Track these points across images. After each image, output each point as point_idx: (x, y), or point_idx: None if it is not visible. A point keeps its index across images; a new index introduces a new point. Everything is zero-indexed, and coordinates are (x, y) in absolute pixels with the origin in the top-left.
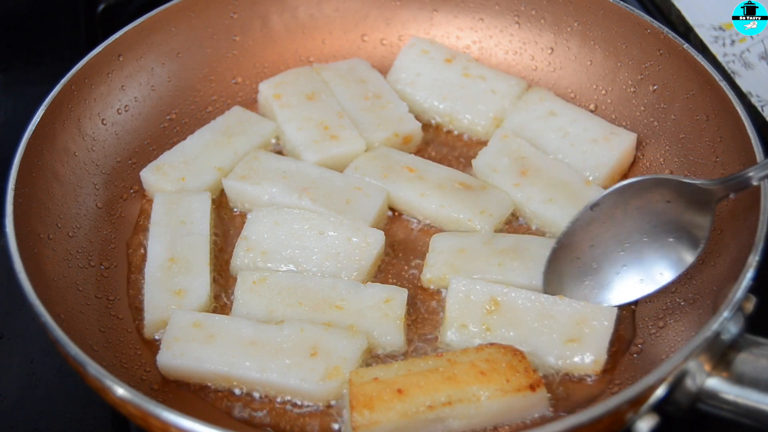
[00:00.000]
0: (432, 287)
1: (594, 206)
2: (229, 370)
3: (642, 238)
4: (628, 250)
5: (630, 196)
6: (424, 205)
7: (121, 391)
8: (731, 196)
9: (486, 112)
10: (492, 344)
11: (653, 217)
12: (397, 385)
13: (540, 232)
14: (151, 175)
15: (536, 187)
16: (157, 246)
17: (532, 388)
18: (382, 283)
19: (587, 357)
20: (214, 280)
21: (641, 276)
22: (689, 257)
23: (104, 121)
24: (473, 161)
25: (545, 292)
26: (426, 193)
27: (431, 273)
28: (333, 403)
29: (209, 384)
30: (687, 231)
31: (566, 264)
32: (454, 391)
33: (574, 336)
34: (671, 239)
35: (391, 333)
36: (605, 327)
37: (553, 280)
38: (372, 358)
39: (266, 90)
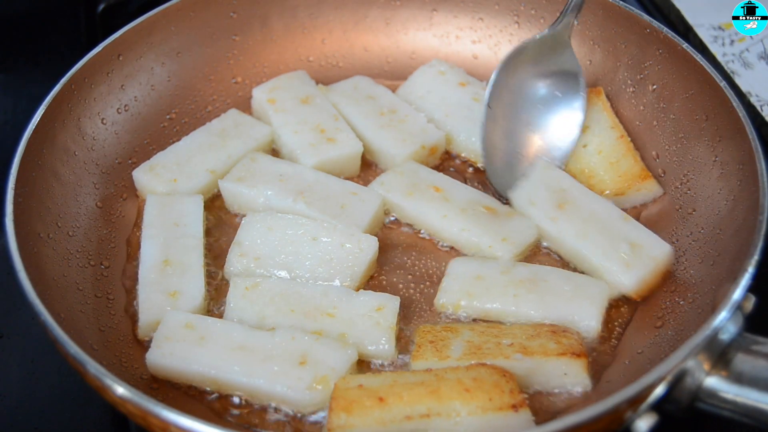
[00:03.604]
0: (445, 311)
1: (489, 105)
2: (216, 373)
3: (537, 106)
4: (534, 123)
5: (508, 78)
6: (446, 227)
7: (120, 390)
8: (575, 22)
9: None
10: (483, 364)
11: (534, 84)
12: (379, 394)
13: (564, 263)
14: (143, 176)
15: (572, 223)
16: (151, 248)
17: (514, 407)
18: (376, 288)
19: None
20: (209, 283)
21: (556, 131)
22: (580, 91)
23: (104, 121)
24: (510, 194)
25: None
26: (448, 215)
27: (445, 298)
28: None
29: (197, 386)
30: (564, 76)
31: (500, 165)
32: (435, 405)
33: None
34: (557, 93)
35: (381, 341)
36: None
37: (502, 182)
38: (363, 365)
39: (260, 95)
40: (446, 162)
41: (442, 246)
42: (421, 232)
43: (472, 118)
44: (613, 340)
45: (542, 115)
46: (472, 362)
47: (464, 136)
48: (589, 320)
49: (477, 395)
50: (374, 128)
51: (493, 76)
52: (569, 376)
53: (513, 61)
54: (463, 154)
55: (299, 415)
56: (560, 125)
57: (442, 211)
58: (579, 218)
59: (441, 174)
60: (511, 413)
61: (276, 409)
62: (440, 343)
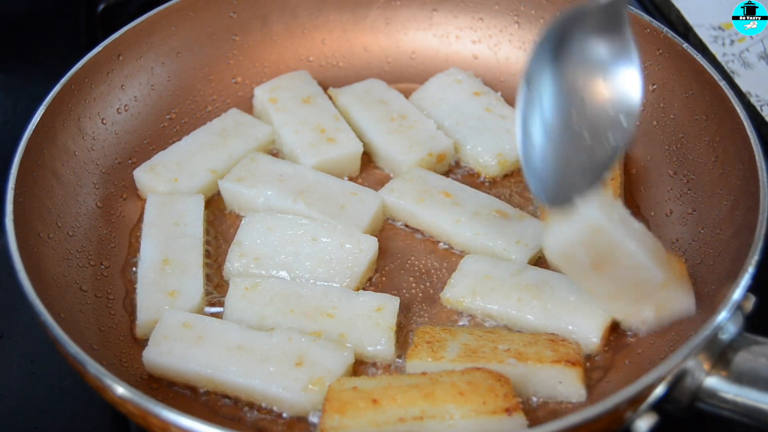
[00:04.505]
0: (449, 307)
1: (527, 83)
2: (212, 372)
3: (585, 97)
4: (581, 116)
5: (552, 55)
6: (459, 233)
7: (120, 390)
8: None
9: (492, 147)
10: (478, 368)
11: (586, 68)
12: (373, 396)
13: None
14: (144, 175)
15: (605, 284)
16: (151, 247)
17: (508, 411)
18: (375, 289)
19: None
20: (208, 283)
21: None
22: (637, 82)
23: (104, 121)
24: (545, 243)
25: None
26: (461, 220)
27: (451, 293)
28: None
29: (193, 385)
30: (618, 60)
31: (540, 164)
32: (429, 407)
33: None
34: (609, 83)
35: (381, 342)
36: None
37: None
38: (360, 367)
39: (262, 94)
40: (453, 171)
41: (442, 246)
42: (422, 232)
43: (482, 129)
44: (612, 340)
45: (590, 108)
46: (467, 365)
47: (471, 146)
48: (589, 334)
49: (471, 398)
50: (383, 133)
51: (535, 47)
52: (563, 385)
53: (558, 33)
54: (470, 165)
55: (298, 417)
56: (609, 122)
57: (454, 216)
58: (614, 281)
59: (450, 179)
60: (504, 417)
61: (276, 411)
62: (437, 344)
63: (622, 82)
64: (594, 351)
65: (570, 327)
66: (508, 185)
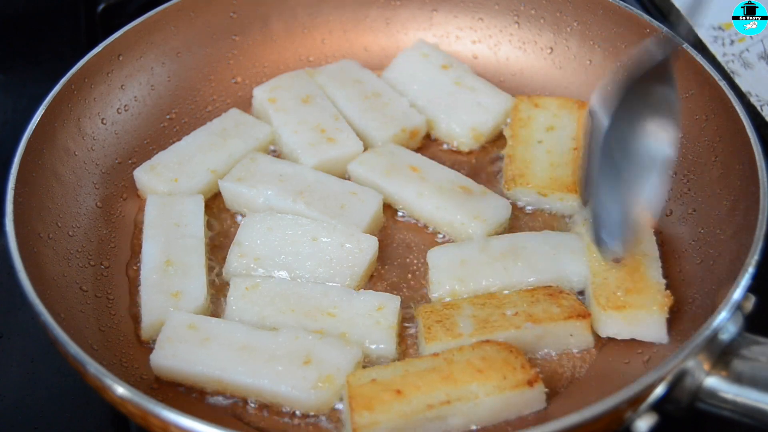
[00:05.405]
0: (443, 300)
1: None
2: (220, 373)
3: (637, 158)
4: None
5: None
6: (421, 206)
7: (120, 390)
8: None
9: (465, 122)
10: (487, 341)
11: (638, 131)
12: (395, 386)
13: (532, 228)
14: (144, 175)
15: None
16: (152, 248)
17: (530, 383)
18: (376, 288)
19: None
20: (210, 283)
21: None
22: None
23: (104, 121)
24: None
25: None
26: (424, 193)
27: (439, 291)
28: (339, 406)
29: (201, 387)
30: (662, 125)
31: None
32: (453, 390)
33: None
34: (653, 146)
35: (382, 341)
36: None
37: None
38: (366, 362)
39: (261, 94)
40: (427, 147)
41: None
42: (426, 228)
43: (453, 104)
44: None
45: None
46: (486, 337)
47: (445, 123)
48: (579, 272)
49: (491, 375)
50: (358, 111)
51: (606, 116)
52: (574, 337)
53: (624, 95)
54: (443, 139)
55: (301, 414)
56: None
57: (418, 190)
58: None
59: (419, 155)
60: (527, 389)
61: (277, 409)
62: (447, 322)
63: (663, 129)
64: (588, 285)
65: (561, 272)
66: (487, 159)
